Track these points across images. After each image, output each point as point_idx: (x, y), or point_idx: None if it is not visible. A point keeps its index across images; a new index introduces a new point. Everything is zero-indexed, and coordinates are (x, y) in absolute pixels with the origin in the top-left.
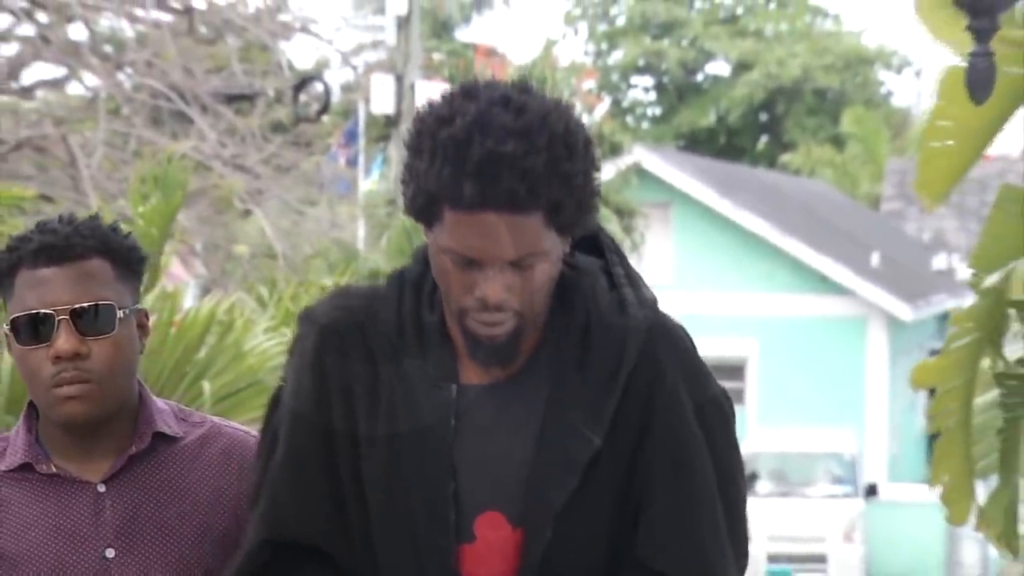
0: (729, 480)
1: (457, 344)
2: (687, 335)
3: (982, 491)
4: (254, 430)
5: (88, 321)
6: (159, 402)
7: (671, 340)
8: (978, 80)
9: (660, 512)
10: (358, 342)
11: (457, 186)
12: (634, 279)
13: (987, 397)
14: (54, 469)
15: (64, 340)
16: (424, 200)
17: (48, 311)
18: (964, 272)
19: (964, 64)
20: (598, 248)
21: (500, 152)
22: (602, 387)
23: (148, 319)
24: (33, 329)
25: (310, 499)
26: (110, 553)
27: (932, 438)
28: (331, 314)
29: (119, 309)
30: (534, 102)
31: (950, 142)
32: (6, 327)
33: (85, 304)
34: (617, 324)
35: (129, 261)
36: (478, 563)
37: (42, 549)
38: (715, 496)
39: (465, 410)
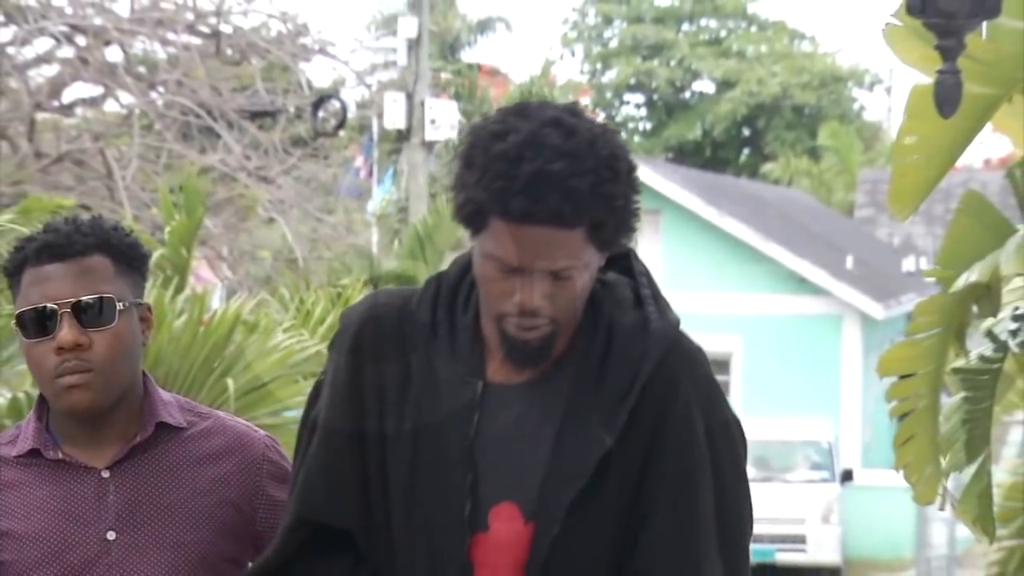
0: (732, 507)
1: (487, 344)
2: (705, 359)
3: (954, 481)
4: (256, 424)
5: (89, 314)
6: (164, 394)
7: (689, 361)
8: (946, 96)
9: (660, 526)
10: (393, 337)
11: (506, 200)
12: (660, 301)
13: (955, 398)
14: (61, 455)
15: (66, 332)
16: (472, 209)
17: (51, 305)
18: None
19: (931, 82)
20: (629, 270)
21: (549, 171)
22: (618, 395)
23: (151, 313)
24: (38, 323)
25: (339, 485)
26: (111, 536)
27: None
28: (369, 311)
29: (119, 302)
30: (583, 126)
31: (920, 158)
32: (13, 322)
33: (86, 297)
34: (638, 338)
35: (130, 258)
36: (489, 552)
37: (48, 530)
38: (713, 519)
39: (489, 406)
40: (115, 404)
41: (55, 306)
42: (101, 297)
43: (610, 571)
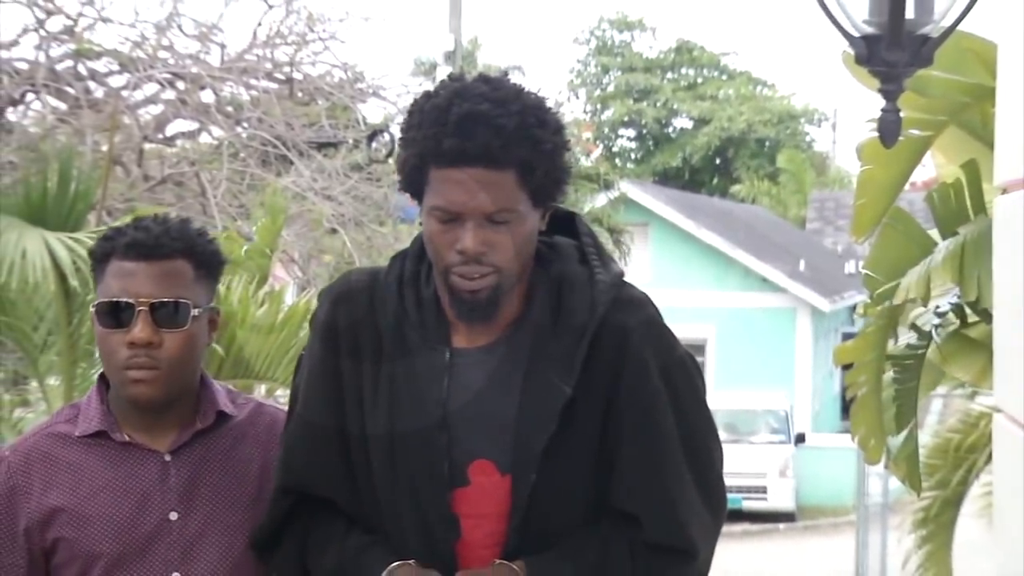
0: (695, 434)
1: (449, 313)
2: (652, 304)
3: (893, 444)
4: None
5: (164, 315)
6: (216, 384)
7: (636, 306)
8: (887, 131)
9: (628, 461)
10: (365, 310)
11: (439, 143)
12: (604, 257)
13: (888, 374)
14: (127, 437)
15: (140, 329)
16: (413, 163)
17: (130, 301)
18: None
19: (877, 135)
20: (575, 233)
21: (477, 111)
22: (571, 343)
23: (219, 316)
24: (114, 315)
25: (319, 454)
26: (173, 516)
27: (847, 401)
28: (343, 287)
29: (194, 308)
30: (510, 83)
31: (873, 195)
32: (92, 308)
33: (164, 300)
34: (585, 290)
35: (210, 265)
36: (472, 504)
37: (113, 510)
38: (679, 447)
39: (457, 371)
40: (175, 399)
41: (133, 302)
42: (177, 302)
43: (591, 511)
